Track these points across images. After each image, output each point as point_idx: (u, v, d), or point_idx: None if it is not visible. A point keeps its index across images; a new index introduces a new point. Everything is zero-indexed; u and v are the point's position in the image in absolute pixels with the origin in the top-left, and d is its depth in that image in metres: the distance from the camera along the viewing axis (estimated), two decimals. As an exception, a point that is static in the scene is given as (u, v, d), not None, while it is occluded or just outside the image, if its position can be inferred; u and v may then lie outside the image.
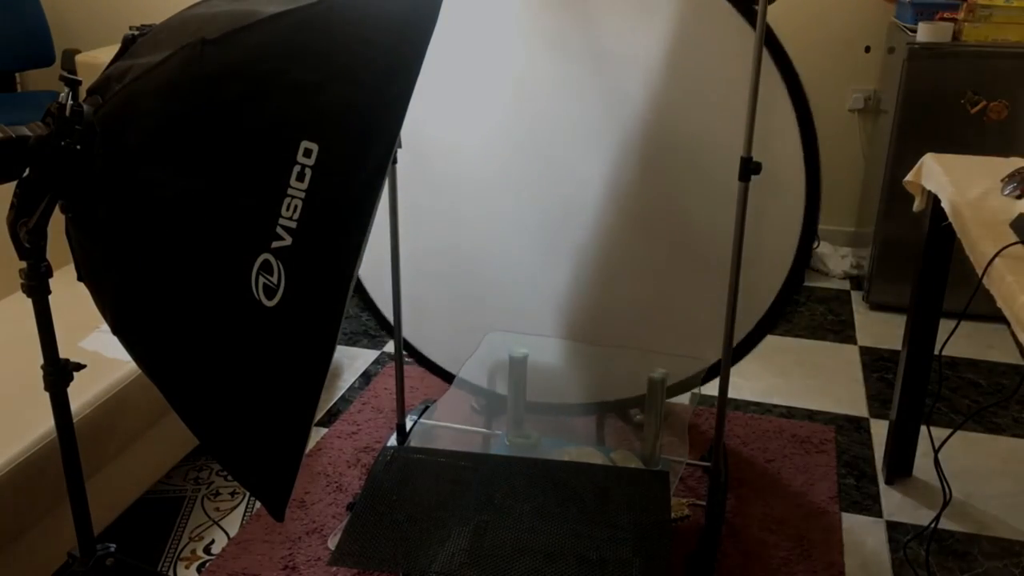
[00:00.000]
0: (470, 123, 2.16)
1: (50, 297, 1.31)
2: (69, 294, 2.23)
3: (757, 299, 2.13)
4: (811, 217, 2.02)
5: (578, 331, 2.27)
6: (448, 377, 2.43)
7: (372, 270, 2.38)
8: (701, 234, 2.09)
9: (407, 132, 2.21)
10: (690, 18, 1.95)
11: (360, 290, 2.41)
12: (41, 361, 1.34)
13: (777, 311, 2.11)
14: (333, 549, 1.73)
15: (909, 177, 2.15)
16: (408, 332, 2.42)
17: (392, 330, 2.37)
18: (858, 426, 2.58)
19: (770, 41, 1.91)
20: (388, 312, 2.41)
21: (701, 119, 2.01)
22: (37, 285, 1.28)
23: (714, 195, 2.06)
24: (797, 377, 2.83)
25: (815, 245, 2.74)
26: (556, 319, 2.28)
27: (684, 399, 2.50)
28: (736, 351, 2.17)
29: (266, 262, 1.14)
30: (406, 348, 2.43)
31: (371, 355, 2.96)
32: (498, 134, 2.15)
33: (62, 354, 1.35)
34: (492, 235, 2.24)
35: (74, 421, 1.40)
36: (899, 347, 3.01)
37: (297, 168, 1.13)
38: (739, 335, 2.16)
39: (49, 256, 1.28)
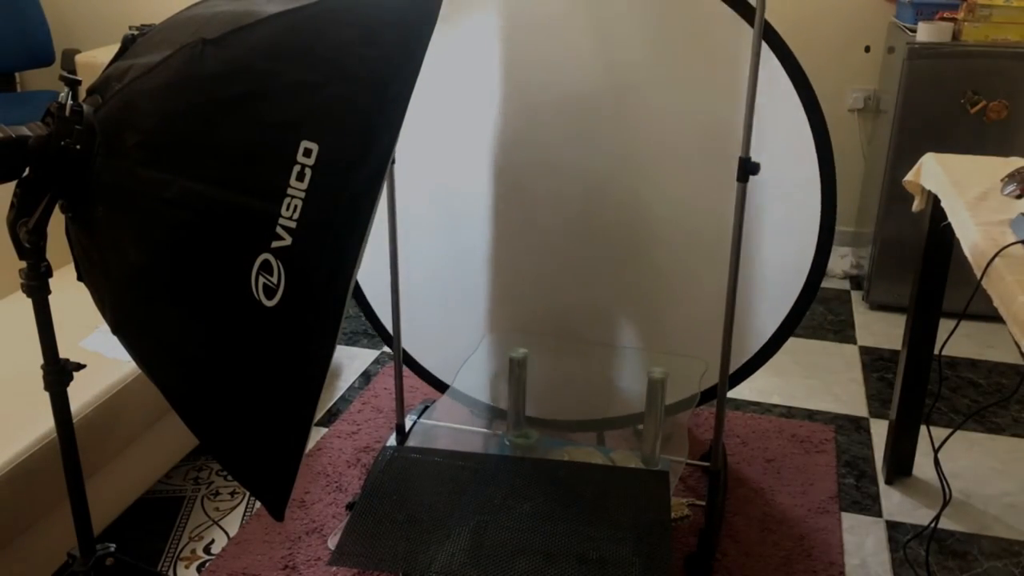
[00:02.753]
0: (466, 126, 2.16)
1: (50, 297, 1.31)
2: (69, 294, 2.23)
3: (775, 305, 2.12)
4: (828, 222, 2.01)
5: (581, 337, 2.27)
6: (442, 386, 2.43)
7: (370, 278, 2.37)
8: (711, 236, 2.08)
9: (404, 136, 2.21)
10: (688, 17, 1.95)
11: (359, 297, 2.40)
12: (41, 361, 1.34)
13: (795, 317, 2.10)
14: (333, 549, 1.73)
15: (909, 177, 2.15)
16: (405, 342, 2.41)
17: (389, 338, 2.37)
18: (858, 426, 2.58)
19: (782, 52, 1.90)
20: (386, 319, 2.40)
21: (705, 119, 2.01)
22: (37, 285, 1.28)
23: (723, 196, 2.05)
24: (797, 377, 2.83)
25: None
26: (559, 326, 2.28)
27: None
28: (756, 359, 2.18)
29: (266, 262, 1.14)
30: (403, 360, 2.43)
31: (371, 355, 2.96)
32: (496, 139, 2.15)
33: (62, 354, 1.35)
34: (490, 239, 2.25)
35: (74, 421, 1.40)
36: (899, 347, 3.01)
37: (297, 168, 1.13)
38: (761, 340, 2.17)
39: (49, 256, 1.28)
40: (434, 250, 2.31)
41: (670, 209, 2.09)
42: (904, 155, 3.02)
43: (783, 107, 1.95)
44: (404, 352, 2.41)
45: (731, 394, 2.71)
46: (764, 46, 1.89)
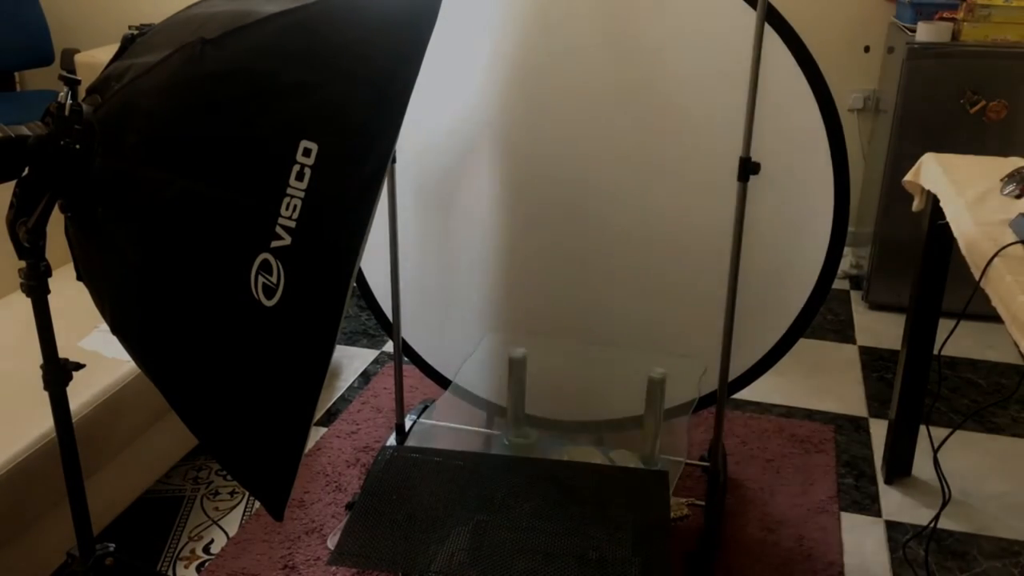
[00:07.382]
0: (469, 122, 2.16)
1: (50, 297, 1.31)
2: (69, 294, 2.22)
3: (786, 306, 2.11)
4: (840, 223, 2.01)
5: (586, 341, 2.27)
6: (445, 382, 2.43)
7: (374, 267, 2.37)
8: (716, 236, 2.08)
9: (405, 134, 2.21)
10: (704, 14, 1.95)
11: (363, 287, 2.40)
12: (41, 361, 1.34)
13: (806, 318, 2.10)
14: (332, 549, 1.73)
15: (908, 177, 2.15)
16: (407, 334, 2.41)
17: (391, 330, 2.37)
18: (857, 426, 2.58)
19: (802, 56, 1.91)
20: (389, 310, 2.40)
21: (710, 117, 2.01)
22: (36, 284, 1.28)
23: (728, 199, 2.05)
24: (796, 377, 2.83)
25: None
26: (560, 329, 2.28)
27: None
28: (767, 359, 2.17)
29: (265, 262, 1.14)
30: (405, 351, 2.43)
31: (370, 355, 2.96)
32: (500, 136, 2.14)
33: (62, 354, 1.35)
34: (490, 237, 2.25)
35: (74, 421, 1.40)
36: (898, 347, 3.01)
37: (297, 168, 1.13)
38: (770, 342, 2.16)
39: (49, 256, 1.28)
40: (436, 249, 2.31)
41: (674, 208, 2.09)
42: (904, 155, 3.02)
43: (798, 107, 1.95)
44: (405, 344, 2.41)
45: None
46: (782, 44, 1.89)
